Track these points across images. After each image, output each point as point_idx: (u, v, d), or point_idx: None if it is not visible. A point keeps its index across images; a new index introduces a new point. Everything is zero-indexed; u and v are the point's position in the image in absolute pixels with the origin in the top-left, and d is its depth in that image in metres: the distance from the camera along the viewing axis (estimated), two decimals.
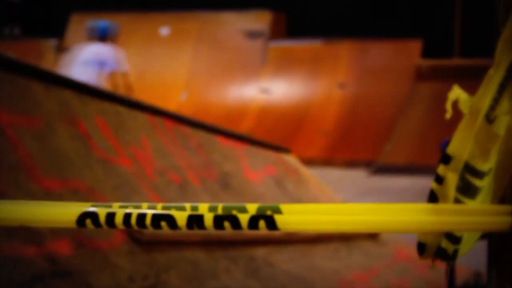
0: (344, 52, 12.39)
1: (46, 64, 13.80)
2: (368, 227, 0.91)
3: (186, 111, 12.13)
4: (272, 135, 11.07)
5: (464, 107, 1.00)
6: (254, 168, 4.98)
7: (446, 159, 1.00)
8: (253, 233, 4.16)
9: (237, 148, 5.05)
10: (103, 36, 9.39)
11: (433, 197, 1.02)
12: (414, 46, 12.06)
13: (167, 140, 4.40)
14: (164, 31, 13.65)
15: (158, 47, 13.62)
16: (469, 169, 0.99)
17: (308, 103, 12.15)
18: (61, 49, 14.14)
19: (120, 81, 9.08)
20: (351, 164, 10.86)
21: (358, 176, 10.06)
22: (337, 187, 8.46)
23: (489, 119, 0.97)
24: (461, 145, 0.98)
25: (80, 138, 3.63)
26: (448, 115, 1.01)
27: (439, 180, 1.01)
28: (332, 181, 8.83)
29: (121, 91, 8.57)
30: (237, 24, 13.24)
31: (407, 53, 12.05)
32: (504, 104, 0.97)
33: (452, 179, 0.99)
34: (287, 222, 0.92)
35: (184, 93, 12.97)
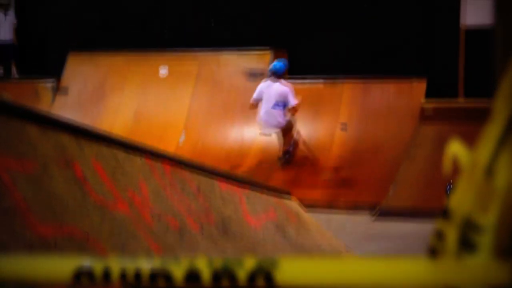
0: (347, 92, 12.43)
1: (43, 105, 13.87)
2: (368, 282, 0.91)
3: (185, 152, 12.14)
4: (273, 177, 11.07)
5: (463, 162, 1.00)
6: (254, 213, 4.96)
7: (446, 214, 1.00)
8: None
9: (237, 192, 5.04)
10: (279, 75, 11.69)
11: (432, 252, 1.01)
12: (418, 86, 12.10)
13: (166, 183, 4.39)
14: (163, 71, 13.71)
15: (156, 88, 13.67)
16: (469, 224, 0.99)
17: (310, 144, 12.15)
18: (58, 89, 14.21)
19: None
20: (354, 207, 10.83)
21: (361, 220, 10.02)
22: (340, 232, 8.43)
23: (489, 173, 0.98)
24: (461, 199, 0.98)
25: (76, 182, 3.63)
26: (447, 170, 1.01)
27: (439, 235, 1.01)
28: (334, 226, 8.81)
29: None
30: (237, 63, 13.31)
31: (411, 93, 12.09)
32: (503, 159, 0.97)
33: (452, 234, 0.99)
34: (285, 278, 0.92)
35: (183, 134, 12.99)
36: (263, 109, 11.52)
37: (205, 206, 4.55)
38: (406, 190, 10.71)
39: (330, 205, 10.90)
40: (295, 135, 11.83)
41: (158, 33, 14.77)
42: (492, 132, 0.97)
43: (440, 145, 10.94)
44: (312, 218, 5.67)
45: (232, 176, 5.28)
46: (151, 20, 14.78)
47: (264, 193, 5.28)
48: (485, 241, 0.99)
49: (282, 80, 11.68)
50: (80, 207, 3.55)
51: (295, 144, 11.87)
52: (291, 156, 11.87)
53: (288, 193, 5.79)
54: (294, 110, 11.52)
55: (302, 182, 11.34)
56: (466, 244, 0.99)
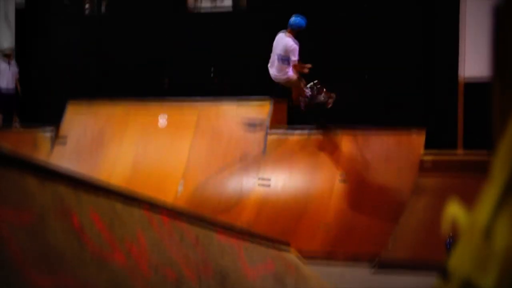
0: (346, 143, 12.45)
1: (42, 154, 13.88)
2: None
3: (184, 202, 12.12)
4: (271, 227, 11.01)
5: (462, 224, 1.00)
6: (253, 264, 4.94)
7: (445, 274, 1.00)
8: None
9: (235, 243, 5.02)
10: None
11: None
12: (417, 138, 12.12)
13: (164, 234, 4.38)
14: (162, 121, 13.75)
15: (155, 137, 13.69)
16: (468, 286, 0.99)
17: (309, 194, 12.13)
18: (57, 138, 14.23)
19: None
20: (353, 259, 10.77)
21: (360, 273, 9.96)
22: (339, 284, 8.38)
23: (488, 235, 0.98)
24: (460, 260, 0.98)
25: (74, 233, 3.62)
26: (445, 232, 1.01)
27: None
28: (333, 278, 8.76)
29: None
30: (237, 114, 13.34)
31: (410, 145, 12.10)
32: (501, 221, 0.97)
33: None
34: None
35: (181, 183, 12.97)
36: (271, 57, 12.16)
37: (203, 257, 4.53)
38: (406, 242, 10.67)
39: (329, 257, 10.85)
40: (304, 85, 12.25)
41: (158, 82, 14.86)
42: (490, 194, 0.97)
43: (439, 196, 10.96)
44: (312, 270, 5.63)
45: (231, 227, 5.27)
46: (151, 70, 14.87)
47: (262, 244, 5.25)
48: None
49: (291, 37, 12.03)
50: (77, 258, 3.53)
51: (315, 90, 12.32)
52: (313, 98, 12.32)
53: (287, 244, 5.76)
54: (294, 67, 11.97)
55: (301, 233, 11.29)
56: None
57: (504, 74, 1.03)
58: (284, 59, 11.96)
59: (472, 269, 0.97)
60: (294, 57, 11.88)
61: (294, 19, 12.06)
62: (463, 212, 1.00)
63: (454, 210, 0.99)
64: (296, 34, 12.05)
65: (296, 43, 11.95)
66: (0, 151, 3.40)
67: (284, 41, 11.97)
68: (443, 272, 0.99)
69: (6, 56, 14.98)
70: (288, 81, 12.11)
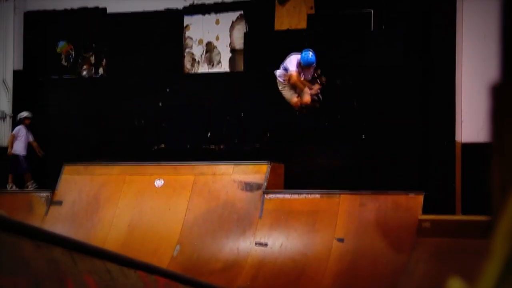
0: (343, 205, 12.42)
1: (37, 217, 13.84)
2: None
3: (180, 264, 12.05)
4: None
5: None
6: None
7: None
8: None
9: None
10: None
11: None
12: (415, 200, 12.10)
13: None
14: (158, 182, 13.74)
15: (151, 199, 13.67)
16: None
17: (306, 258, 12.07)
18: (52, 201, 14.20)
19: None
20: None
21: None
22: None
23: None
24: None
25: None
26: None
27: None
28: None
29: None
30: (233, 175, 13.35)
31: (408, 207, 12.08)
32: None
33: None
34: None
35: (177, 247, 12.91)
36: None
37: None
38: None
39: None
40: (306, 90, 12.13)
41: (155, 146, 14.89)
42: (491, 270, 0.97)
43: (438, 259, 10.88)
44: None
45: None
46: (148, 133, 14.92)
47: None
48: None
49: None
50: None
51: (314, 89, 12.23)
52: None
53: None
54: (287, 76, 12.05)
55: None
56: None
57: (503, 147, 1.04)
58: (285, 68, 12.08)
59: None
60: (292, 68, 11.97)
61: (304, 57, 12.05)
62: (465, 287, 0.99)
63: (455, 285, 0.99)
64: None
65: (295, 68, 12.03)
66: None
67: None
68: None
69: (25, 122, 15.06)
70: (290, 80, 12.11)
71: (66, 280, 3.66)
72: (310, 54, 11.99)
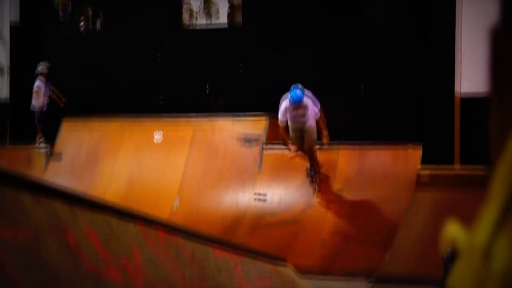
0: (342, 158, 12.45)
1: (36, 170, 13.86)
2: None
3: (180, 218, 12.10)
4: (268, 243, 11.00)
5: (460, 244, 1.00)
6: (249, 280, 4.93)
7: None
8: None
9: (232, 259, 5.01)
10: None
11: None
12: (414, 153, 12.13)
13: (160, 250, 4.38)
14: (157, 137, 13.75)
15: (151, 153, 13.69)
16: None
17: (305, 210, 12.12)
18: (52, 155, 14.23)
19: None
20: (350, 274, 10.76)
21: (357, 287, 9.94)
22: None
23: (487, 256, 0.98)
24: (459, 281, 0.98)
25: (69, 250, 3.61)
26: (443, 251, 1.01)
27: None
28: None
29: None
30: (233, 129, 13.36)
31: (407, 160, 12.11)
32: (500, 241, 0.97)
33: None
34: None
35: (177, 200, 12.96)
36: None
37: (199, 274, 4.53)
38: (403, 257, 10.66)
39: (325, 272, 10.83)
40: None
41: (153, 99, 14.87)
42: (489, 214, 0.97)
43: (436, 211, 10.95)
44: (308, 285, 5.63)
45: (227, 243, 5.26)
46: (146, 87, 14.89)
47: (259, 260, 5.25)
48: None
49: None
50: (73, 275, 3.53)
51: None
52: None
53: (284, 260, 5.76)
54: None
55: (298, 248, 11.28)
56: None
57: (502, 94, 1.04)
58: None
59: None
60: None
61: (291, 97, 11.62)
62: (462, 231, 1.00)
63: (452, 230, 0.99)
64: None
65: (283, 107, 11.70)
66: None
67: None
68: None
69: (42, 75, 14.91)
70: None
71: (66, 233, 3.68)
72: (297, 92, 11.59)
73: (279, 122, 11.78)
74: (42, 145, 14.67)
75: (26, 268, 3.20)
